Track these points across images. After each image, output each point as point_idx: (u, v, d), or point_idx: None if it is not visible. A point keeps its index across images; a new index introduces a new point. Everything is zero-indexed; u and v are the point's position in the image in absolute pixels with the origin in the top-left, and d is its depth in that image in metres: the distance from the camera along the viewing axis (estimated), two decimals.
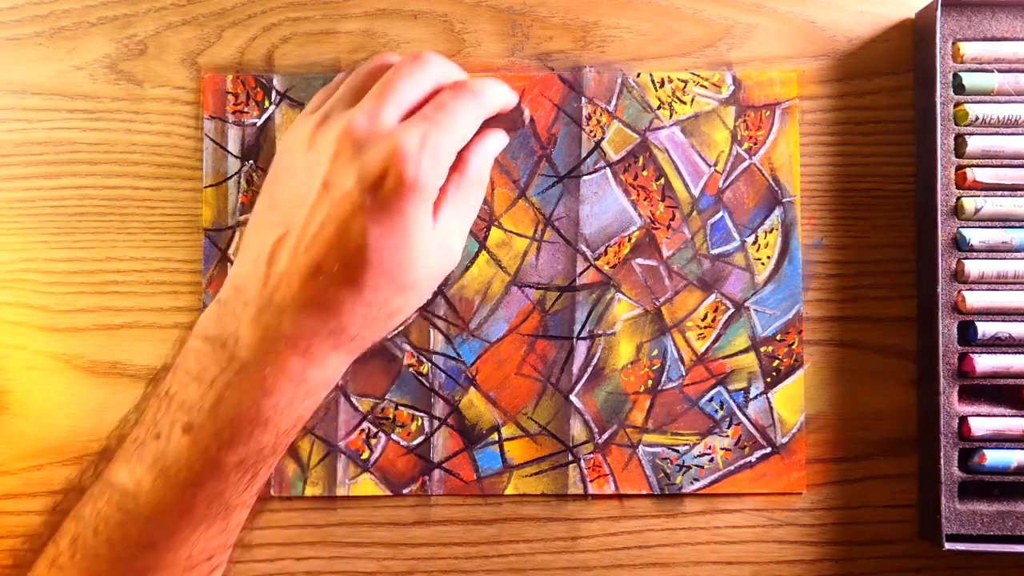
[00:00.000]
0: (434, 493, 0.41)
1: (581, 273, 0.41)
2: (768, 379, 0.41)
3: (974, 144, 0.39)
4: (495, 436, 0.41)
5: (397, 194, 0.30)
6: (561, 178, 0.41)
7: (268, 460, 0.31)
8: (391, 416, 0.41)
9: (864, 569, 0.41)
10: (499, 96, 0.34)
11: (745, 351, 0.41)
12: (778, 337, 0.41)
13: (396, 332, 0.41)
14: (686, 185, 0.41)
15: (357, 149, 0.30)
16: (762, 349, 0.41)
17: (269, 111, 0.41)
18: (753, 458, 0.41)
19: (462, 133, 0.32)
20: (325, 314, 0.30)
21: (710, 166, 0.41)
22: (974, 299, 0.39)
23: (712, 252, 0.41)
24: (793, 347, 0.41)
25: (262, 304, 0.30)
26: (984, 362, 0.39)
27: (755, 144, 0.41)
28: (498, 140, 0.35)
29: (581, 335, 0.41)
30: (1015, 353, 0.39)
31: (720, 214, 0.41)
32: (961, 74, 0.40)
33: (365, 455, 0.41)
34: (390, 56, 0.34)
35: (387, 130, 0.31)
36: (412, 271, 0.31)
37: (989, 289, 0.40)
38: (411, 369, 0.41)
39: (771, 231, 0.41)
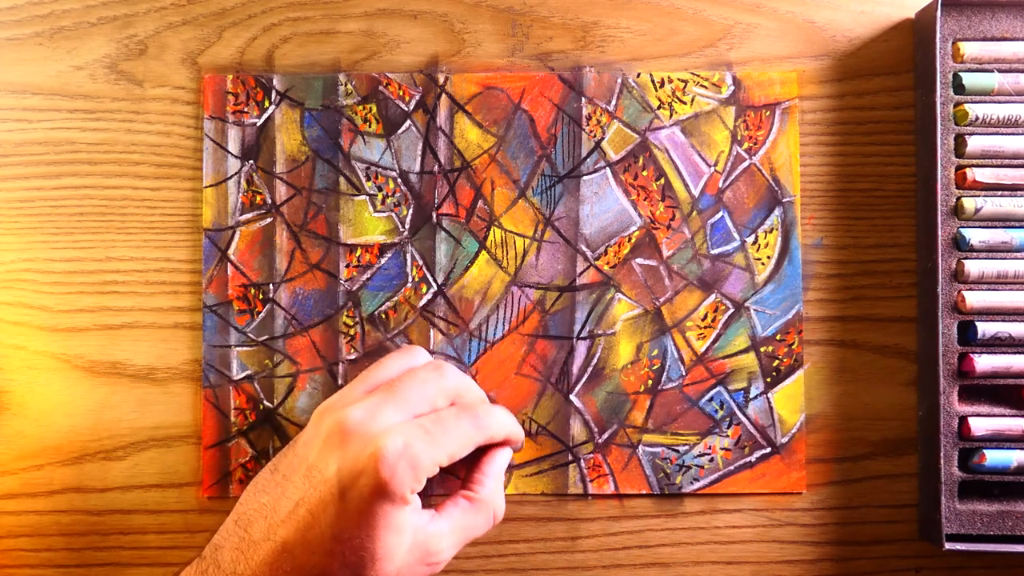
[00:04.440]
0: (434, 493, 0.41)
1: (581, 273, 0.41)
2: (768, 379, 0.41)
3: (974, 144, 0.39)
4: None
5: (370, 494, 0.30)
6: (561, 178, 0.41)
7: None
8: None
9: (864, 569, 0.41)
10: (502, 426, 0.35)
11: (745, 351, 0.41)
12: (778, 337, 0.41)
13: (396, 334, 0.41)
14: (686, 185, 0.41)
15: (344, 441, 0.31)
16: (762, 349, 0.41)
17: (269, 111, 0.41)
18: (753, 458, 0.41)
19: (450, 451, 0.32)
20: None
21: (710, 166, 0.41)
22: (974, 299, 0.39)
23: (712, 252, 0.41)
24: (793, 347, 0.41)
25: (228, 571, 0.31)
26: (984, 362, 0.39)
27: (755, 144, 0.41)
28: (505, 457, 0.36)
29: (581, 335, 0.41)
30: (1015, 353, 0.39)
31: (720, 214, 0.41)
32: (961, 74, 0.40)
33: None
34: (421, 355, 0.36)
35: (377, 429, 0.31)
36: (376, 568, 0.31)
37: (989, 289, 0.40)
38: None
39: (771, 231, 0.41)
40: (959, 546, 0.38)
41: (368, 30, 0.42)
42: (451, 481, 0.41)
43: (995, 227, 0.40)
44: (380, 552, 0.31)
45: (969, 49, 0.40)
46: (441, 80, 0.41)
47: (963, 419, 0.39)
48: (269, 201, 0.41)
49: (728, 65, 0.42)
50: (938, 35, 0.39)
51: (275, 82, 0.41)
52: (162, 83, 0.42)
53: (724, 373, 0.41)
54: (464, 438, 0.33)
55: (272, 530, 0.31)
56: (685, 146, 0.41)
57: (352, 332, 0.41)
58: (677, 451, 0.41)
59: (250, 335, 0.41)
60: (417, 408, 0.33)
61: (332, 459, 0.31)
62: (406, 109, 0.41)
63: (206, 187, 0.41)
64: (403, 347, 0.36)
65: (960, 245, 0.40)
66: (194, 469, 0.41)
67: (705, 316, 0.41)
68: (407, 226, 0.41)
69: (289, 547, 0.31)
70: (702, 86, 0.41)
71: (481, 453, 0.36)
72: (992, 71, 0.40)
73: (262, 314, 0.41)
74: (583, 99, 0.41)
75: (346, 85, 0.41)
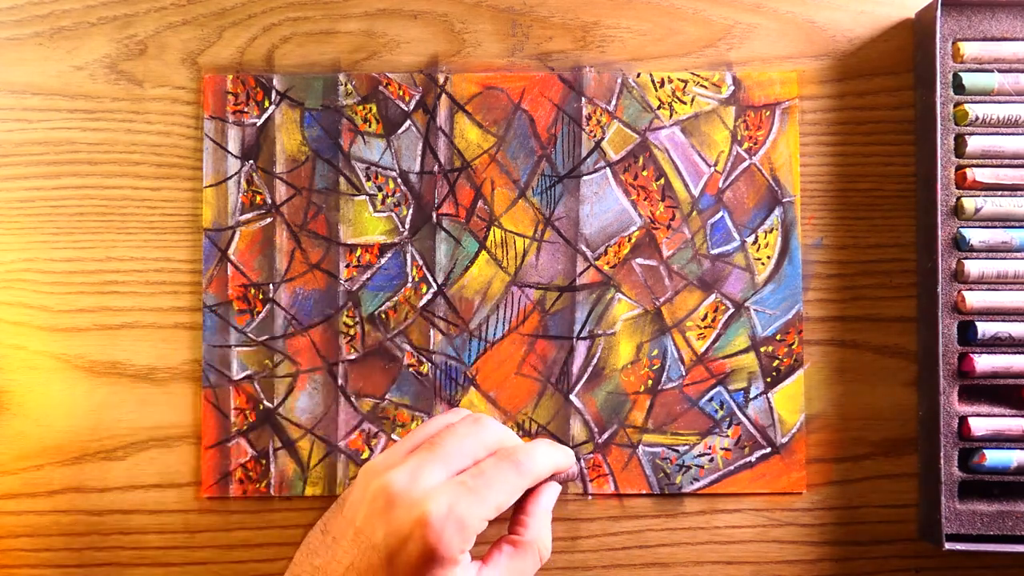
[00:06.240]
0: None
1: (581, 273, 0.41)
2: (768, 379, 0.41)
3: (974, 144, 0.39)
4: None
5: (418, 560, 0.30)
6: (561, 178, 0.41)
7: None
8: (391, 416, 0.41)
9: (864, 569, 0.41)
10: (546, 464, 0.34)
11: (745, 351, 0.41)
12: (778, 337, 0.41)
13: (396, 333, 0.41)
14: (686, 185, 0.41)
15: (389, 506, 0.31)
16: (762, 349, 0.41)
17: (269, 111, 0.41)
18: (753, 458, 0.41)
19: (497, 503, 0.32)
20: None
21: (710, 166, 0.41)
22: (974, 299, 0.39)
23: (712, 252, 0.41)
24: (793, 347, 0.41)
25: None
26: (984, 362, 0.39)
27: (755, 144, 0.41)
28: (552, 493, 0.35)
29: (581, 335, 0.41)
30: (1015, 353, 0.39)
31: (720, 214, 0.41)
32: (961, 74, 0.40)
33: (365, 455, 0.41)
34: (460, 412, 0.36)
35: (421, 493, 0.31)
36: None
37: (989, 289, 0.40)
38: (411, 369, 0.41)
39: (771, 231, 0.41)
40: (959, 546, 0.38)
41: (368, 30, 0.42)
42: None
43: (995, 227, 0.40)
44: None
45: (969, 49, 0.40)
46: (441, 80, 0.41)
47: (963, 419, 0.39)
48: (269, 201, 0.41)
49: (728, 65, 0.42)
50: (938, 35, 0.39)
51: (275, 82, 0.41)
52: (162, 83, 0.42)
53: (724, 373, 0.41)
54: (509, 487, 0.33)
55: None
56: (685, 146, 0.41)
57: (352, 332, 0.41)
58: (677, 451, 0.41)
59: (250, 335, 0.41)
60: (458, 463, 0.33)
61: (379, 524, 0.31)
62: (406, 109, 0.41)
63: (206, 187, 0.41)
64: (445, 413, 0.37)
65: (960, 245, 0.40)
66: (194, 469, 0.41)
67: (705, 316, 0.41)
68: (407, 226, 0.41)
69: None
70: (702, 86, 0.41)
71: (529, 491, 0.35)
72: (992, 71, 0.40)
73: (262, 314, 0.41)
74: (583, 99, 0.41)
75: (346, 85, 0.41)
